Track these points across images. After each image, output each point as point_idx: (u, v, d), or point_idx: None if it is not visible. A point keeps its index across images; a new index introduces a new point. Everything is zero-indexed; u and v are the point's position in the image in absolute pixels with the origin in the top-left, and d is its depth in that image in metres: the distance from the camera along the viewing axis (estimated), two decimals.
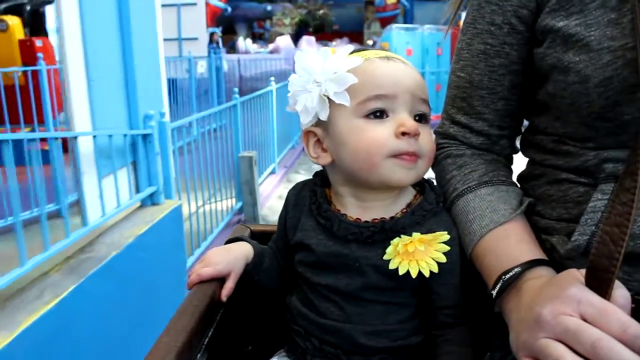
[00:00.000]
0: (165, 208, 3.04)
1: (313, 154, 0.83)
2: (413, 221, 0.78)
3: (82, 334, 2.10)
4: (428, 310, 0.80)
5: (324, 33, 18.25)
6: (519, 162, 0.91)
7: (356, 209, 0.82)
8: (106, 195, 2.53)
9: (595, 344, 0.52)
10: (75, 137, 2.28)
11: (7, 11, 6.90)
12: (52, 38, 6.65)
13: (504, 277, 0.69)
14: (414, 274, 0.74)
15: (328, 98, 0.77)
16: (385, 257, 0.76)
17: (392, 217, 0.80)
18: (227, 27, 16.05)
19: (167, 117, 3.11)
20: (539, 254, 0.73)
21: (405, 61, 0.81)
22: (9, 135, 1.93)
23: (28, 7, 7.41)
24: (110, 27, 2.74)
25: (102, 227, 2.55)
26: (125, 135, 2.73)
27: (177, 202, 3.15)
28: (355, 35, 18.00)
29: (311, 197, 0.85)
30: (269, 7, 17.42)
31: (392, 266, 0.75)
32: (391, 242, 0.75)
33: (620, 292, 0.57)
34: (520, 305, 0.65)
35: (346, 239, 0.79)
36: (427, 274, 0.75)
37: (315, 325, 0.81)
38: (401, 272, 0.74)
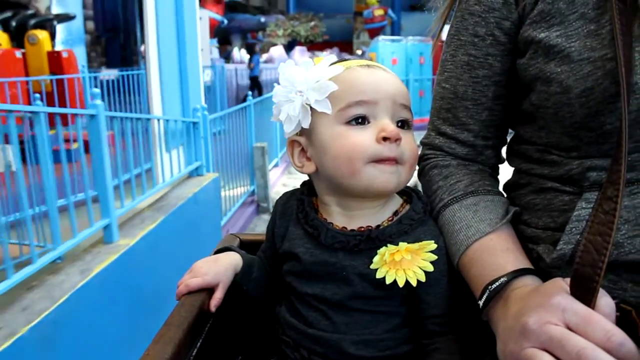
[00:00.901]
0: (207, 178, 4.06)
1: (298, 163, 0.82)
2: (400, 230, 0.77)
3: (168, 249, 3.15)
4: (417, 319, 0.79)
5: (315, 43, 18.89)
6: (505, 172, 0.90)
7: (342, 217, 0.81)
8: (168, 165, 3.61)
9: (580, 352, 0.52)
10: (155, 119, 3.46)
11: (36, 26, 7.88)
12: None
13: (490, 286, 0.68)
14: (400, 283, 0.73)
15: (310, 107, 0.76)
16: (372, 267, 0.74)
17: (378, 226, 0.78)
18: (222, 38, 17.04)
19: (206, 111, 4.22)
20: (525, 263, 0.72)
21: (386, 69, 0.81)
22: (120, 114, 3.01)
23: (55, 23, 8.43)
24: (172, 44, 3.84)
25: (166, 189, 3.64)
26: (183, 122, 3.83)
27: (215, 174, 4.20)
28: (345, 45, 18.26)
29: (298, 206, 0.84)
30: (262, 19, 17.91)
31: (379, 275, 0.74)
32: (378, 251, 0.74)
33: (605, 300, 0.56)
34: (506, 315, 0.64)
35: (333, 248, 0.78)
36: (414, 283, 0.73)
37: (303, 335, 0.79)
38: (388, 281, 0.73)
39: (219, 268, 0.85)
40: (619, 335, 0.52)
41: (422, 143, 0.92)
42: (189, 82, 3.87)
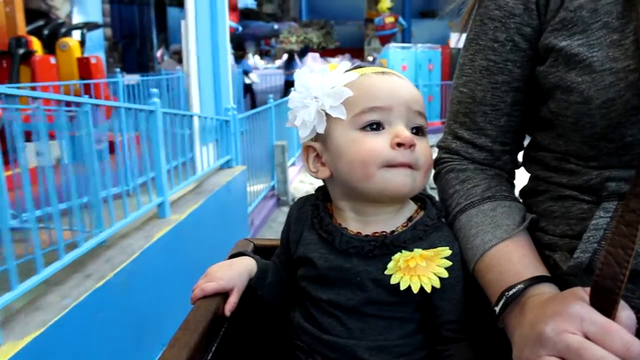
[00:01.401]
0: (236, 170, 4.61)
1: (312, 168, 0.82)
2: (415, 236, 0.77)
3: (208, 226, 3.70)
4: (431, 325, 0.78)
5: (327, 50, 19.33)
6: (520, 178, 0.90)
7: (356, 223, 0.81)
8: (205, 157, 4.18)
9: None
10: (196, 116, 4.06)
11: (66, 34, 8.45)
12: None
13: (507, 293, 0.68)
14: (415, 289, 0.72)
15: (325, 113, 0.77)
16: (386, 272, 0.74)
17: (392, 232, 0.78)
18: (236, 44, 17.65)
19: (235, 111, 4.80)
20: (542, 271, 0.71)
21: (401, 75, 0.81)
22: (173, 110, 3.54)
23: (85, 31, 9.03)
24: (208, 52, 4.44)
25: (203, 177, 4.20)
26: (217, 120, 4.39)
27: (243, 167, 4.76)
28: (356, 52, 18.33)
29: (313, 211, 0.85)
30: (276, 26, 18.41)
31: (393, 281, 0.73)
32: (392, 257, 0.74)
33: (626, 313, 0.55)
34: (522, 322, 0.64)
35: (347, 253, 0.78)
36: (428, 290, 0.73)
37: (318, 341, 0.79)
38: (402, 287, 0.73)
39: (233, 273, 0.85)
40: (638, 346, 0.51)
41: (438, 146, 0.92)
42: (221, 85, 4.46)
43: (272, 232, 5.09)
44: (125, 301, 2.45)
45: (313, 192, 0.89)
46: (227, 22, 4.87)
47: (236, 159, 4.61)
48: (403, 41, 15.91)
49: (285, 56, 14.85)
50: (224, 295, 0.83)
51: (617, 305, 0.54)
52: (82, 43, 8.49)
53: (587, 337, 0.54)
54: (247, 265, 0.88)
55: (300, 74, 0.80)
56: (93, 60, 7.53)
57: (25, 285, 1.88)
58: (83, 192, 2.57)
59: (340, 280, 0.78)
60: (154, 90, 3.01)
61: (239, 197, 4.58)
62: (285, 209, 5.71)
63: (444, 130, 0.91)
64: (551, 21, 0.73)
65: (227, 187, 4.15)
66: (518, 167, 0.89)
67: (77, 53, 7.43)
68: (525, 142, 0.89)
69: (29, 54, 6.47)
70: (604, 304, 0.55)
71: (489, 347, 0.77)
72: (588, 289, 0.57)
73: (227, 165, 4.52)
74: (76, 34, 8.44)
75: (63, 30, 8.54)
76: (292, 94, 0.80)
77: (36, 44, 6.94)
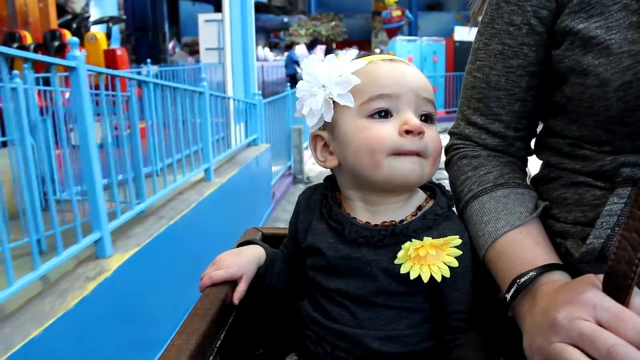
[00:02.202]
0: (262, 148, 5.44)
1: (320, 158, 0.81)
2: (424, 225, 0.76)
3: (244, 189, 4.50)
4: (440, 314, 0.77)
5: (335, 42, 19.25)
6: (532, 165, 0.88)
7: (365, 212, 0.79)
8: (237, 134, 4.95)
9: (611, 349, 0.50)
10: (231, 99, 4.87)
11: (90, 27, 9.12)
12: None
13: (518, 280, 0.67)
14: (425, 279, 0.71)
15: (333, 101, 0.75)
16: (396, 262, 0.73)
17: (402, 221, 0.77)
18: None
19: (261, 96, 5.57)
20: (554, 259, 0.70)
21: (409, 63, 0.79)
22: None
23: (110, 24, 9.78)
24: (239, 44, 5.21)
25: (234, 153, 4.94)
26: (246, 103, 5.17)
27: (267, 145, 5.55)
28: (364, 44, 18.44)
29: (322, 201, 0.84)
30: (285, 19, 18.73)
31: (403, 270, 0.72)
32: (402, 246, 0.73)
33: (639, 299, 0.54)
34: (534, 309, 0.63)
35: (357, 243, 0.77)
36: (438, 279, 0.72)
37: (326, 330, 0.78)
38: (412, 276, 0.72)
39: (242, 261, 0.85)
40: None
41: (450, 133, 0.90)
42: (249, 74, 5.24)
43: (290, 205, 5.76)
44: (187, 236, 3.21)
45: (325, 173, 0.88)
46: (253, 18, 5.66)
47: (261, 138, 5.39)
48: (410, 34, 16.25)
49: (266, 49, 15.40)
50: (232, 283, 0.83)
51: (631, 291, 0.53)
52: (108, 36, 9.23)
53: (600, 324, 0.52)
54: (255, 254, 0.87)
55: (308, 63, 0.79)
56: (119, 52, 8.12)
57: (125, 216, 2.65)
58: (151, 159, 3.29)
59: (349, 269, 0.77)
60: (204, 76, 3.74)
61: (265, 170, 5.40)
62: (301, 186, 6.48)
63: (456, 117, 0.90)
64: (569, 4, 0.72)
65: (255, 160, 4.96)
66: (531, 154, 0.88)
67: (104, 45, 7.90)
68: (538, 130, 0.87)
69: (63, 46, 7.10)
70: (617, 290, 0.54)
71: (497, 337, 0.77)
72: (601, 276, 0.56)
73: (254, 142, 5.29)
74: (98, 27, 9.13)
75: (90, 24, 9.29)
76: (300, 83, 0.79)
77: (68, 37, 7.68)
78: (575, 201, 0.74)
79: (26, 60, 2.24)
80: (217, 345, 0.76)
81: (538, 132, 0.87)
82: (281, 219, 5.17)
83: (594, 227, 0.68)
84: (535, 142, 0.87)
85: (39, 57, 2.33)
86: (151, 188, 3.05)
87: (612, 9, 0.67)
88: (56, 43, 7.39)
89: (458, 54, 12.73)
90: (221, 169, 4.32)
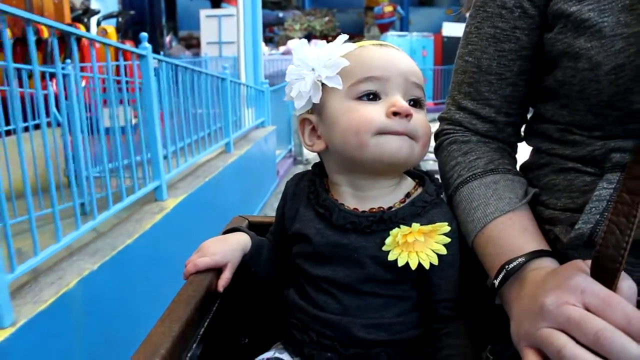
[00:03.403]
0: (269, 129, 6.19)
1: (308, 142, 0.80)
2: (413, 212, 0.74)
3: (256, 161, 5.27)
4: (428, 303, 0.76)
5: (329, 37, 21.14)
6: (520, 155, 0.87)
7: (353, 199, 0.78)
8: (248, 117, 5.82)
9: (598, 334, 0.50)
10: (244, 85, 5.65)
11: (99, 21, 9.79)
12: None
13: (507, 266, 0.66)
14: (413, 266, 0.70)
15: (322, 83, 0.74)
16: (384, 248, 0.72)
17: (390, 208, 0.76)
18: None
19: (268, 85, 6.46)
20: (543, 245, 0.69)
21: (399, 48, 0.78)
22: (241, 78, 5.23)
23: (120, 19, 10.52)
24: (250, 38, 6.09)
25: (245, 133, 5.65)
26: (256, 89, 6.05)
27: (273, 127, 6.40)
28: (356, 39, 20.75)
29: (310, 187, 0.82)
30: (280, 14, 19.15)
31: (391, 257, 0.71)
32: (390, 232, 0.71)
33: (627, 283, 0.54)
34: (522, 295, 0.63)
35: (345, 229, 0.75)
36: (427, 266, 0.71)
37: (312, 318, 0.77)
38: (400, 263, 0.70)
39: (227, 248, 0.84)
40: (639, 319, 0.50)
41: (440, 118, 0.89)
42: (258, 65, 6.12)
43: None
44: (216, 191, 3.93)
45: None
46: (260, 15, 6.55)
47: (268, 121, 6.28)
48: (401, 29, 16.65)
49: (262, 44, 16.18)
50: (217, 270, 0.82)
51: (619, 275, 0.53)
52: (118, 30, 9.98)
53: (588, 309, 0.52)
54: (241, 241, 0.86)
55: (298, 47, 0.77)
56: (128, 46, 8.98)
57: (175, 171, 3.40)
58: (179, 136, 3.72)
59: (336, 256, 0.76)
60: (226, 65, 4.59)
61: (271, 149, 6.18)
62: (301, 167, 7.34)
63: (446, 102, 0.89)
64: None
65: (264, 139, 5.69)
66: (520, 141, 0.87)
67: (114, 38, 7.96)
68: (528, 116, 0.86)
69: (78, 39, 7.97)
70: (605, 275, 0.53)
71: (484, 324, 0.77)
72: (589, 262, 0.56)
73: (262, 125, 6.17)
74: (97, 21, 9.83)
75: (100, 18, 10.06)
76: (290, 67, 0.78)
77: (83, 31, 8.42)
78: (564, 187, 0.73)
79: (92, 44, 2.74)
80: (201, 332, 0.75)
81: (528, 119, 0.86)
82: None
83: (582, 212, 0.67)
84: (525, 129, 0.86)
85: (113, 42, 2.86)
86: (190, 154, 3.90)
87: None
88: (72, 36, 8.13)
89: (446, 49, 13.31)
90: (237, 144, 5.10)
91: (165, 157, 3.25)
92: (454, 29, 13.38)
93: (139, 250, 2.42)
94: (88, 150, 2.73)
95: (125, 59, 8.83)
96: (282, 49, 16.76)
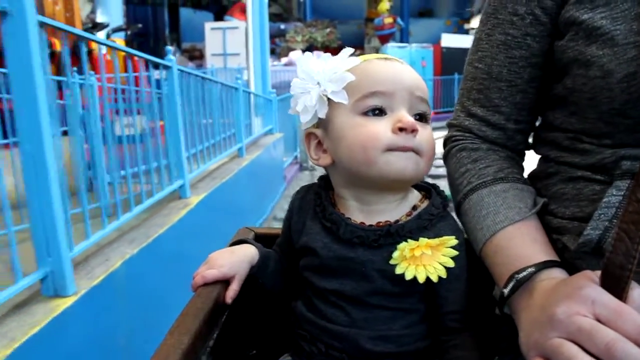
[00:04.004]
0: (277, 136, 6.56)
1: (314, 156, 0.80)
2: (420, 225, 0.75)
3: (265, 165, 5.61)
4: (435, 315, 0.76)
5: (330, 48, 21.39)
6: (528, 162, 0.87)
7: (359, 212, 0.78)
8: (257, 124, 6.23)
9: (609, 345, 0.50)
10: (253, 94, 6.10)
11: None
12: None
13: (517, 276, 0.66)
14: (421, 279, 0.70)
15: (327, 98, 0.74)
16: (391, 262, 0.72)
17: (397, 221, 0.76)
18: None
19: (275, 94, 6.88)
20: (553, 256, 0.69)
21: (404, 62, 0.78)
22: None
23: (128, 32, 10.92)
24: (258, 50, 6.50)
25: (255, 140, 5.98)
26: (264, 98, 6.44)
27: (281, 134, 6.76)
28: (357, 50, 21.00)
29: (316, 200, 0.83)
30: (282, 26, 19.39)
31: (398, 271, 0.71)
32: (398, 246, 0.72)
33: (637, 292, 0.54)
34: (531, 305, 0.63)
35: (352, 243, 0.76)
36: (435, 280, 0.71)
37: (321, 330, 0.77)
38: (408, 277, 0.71)
39: (234, 260, 0.84)
40: None
41: (449, 124, 0.89)
42: (266, 75, 6.53)
43: (297, 187, 7.05)
44: (232, 191, 4.16)
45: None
46: (267, 26, 6.99)
47: (275, 128, 6.68)
48: (401, 40, 16.84)
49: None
50: (225, 282, 0.82)
51: (629, 283, 0.53)
52: (127, 42, 10.39)
53: (598, 320, 0.52)
54: (248, 253, 0.86)
55: (302, 60, 0.77)
56: (137, 58, 9.43)
57: (197, 171, 3.76)
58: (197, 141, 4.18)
59: (344, 270, 0.76)
60: (238, 75, 4.97)
61: (279, 154, 6.54)
62: (307, 173, 7.71)
63: (456, 109, 0.89)
64: None
65: (272, 145, 6.05)
66: (529, 149, 0.87)
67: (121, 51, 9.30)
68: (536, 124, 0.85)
69: (90, 51, 8.37)
70: (615, 283, 0.53)
71: (491, 336, 0.77)
72: (599, 272, 0.55)
73: (270, 132, 6.55)
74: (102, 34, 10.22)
75: (110, 31, 10.47)
76: (295, 81, 0.78)
77: (94, 44, 8.87)
78: (573, 196, 0.73)
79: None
80: (210, 345, 0.75)
81: (537, 126, 0.85)
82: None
83: (591, 219, 0.66)
84: (534, 137, 0.85)
85: (140, 54, 3.04)
86: (208, 157, 4.26)
87: (618, 0, 0.66)
88: (85, 49, 8.57)
89: (445, 59, 13.67)
90: (249, 149, 5.44)
91: (188, 159, 3.59)
92: (452, 40, 13.76)
93: (169, 240, 2.74)
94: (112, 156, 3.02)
95: (133, 69, 9.18)
96: (284, 60, 16.89)
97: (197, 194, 3.51)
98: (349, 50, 0.78)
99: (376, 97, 0.74)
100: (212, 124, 4.18)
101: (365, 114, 0.75)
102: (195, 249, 3.10)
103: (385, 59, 0.79)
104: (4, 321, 1.61)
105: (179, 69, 3.39)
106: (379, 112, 0.75)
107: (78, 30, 2.29)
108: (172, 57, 3.26)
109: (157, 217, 2.96)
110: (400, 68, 0.78)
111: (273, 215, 5.36)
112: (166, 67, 3.21)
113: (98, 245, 2.28)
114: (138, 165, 2.94)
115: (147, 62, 2.94)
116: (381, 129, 0.73)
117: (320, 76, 0.76)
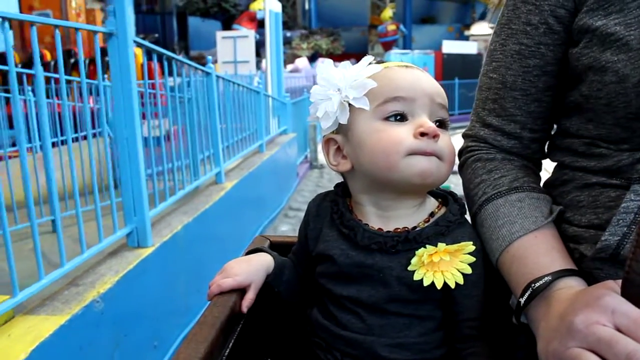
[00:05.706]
0: (290, 136, 6.90)
1: (333, 162, 0.80)
2: (437, 231, 0.74)
3: (282, 161, 6.21)
4: (452, 322, 0.75)
5: (334, 55, 20.47)
6: (542, 173, 0.86)
7: (377, 218, 0.78)
8: (273, 125, 6.63)
9: (630, 355, 0.48)
10: (271, 98, 6.54)
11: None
12: None
13: (533, 285, 0.65)
14: (439, 285, 0.70)
15: (348, 104, 0.74)
16: (410, 268, 0.72)
17: (414, 227, 0.75)
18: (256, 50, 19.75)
19: (289, 98, 7.48)
20: (570, 264, 0.68)
21: (423, 70, 0.78)
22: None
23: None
24: (274, 57, 7.16)
25: (272, 139, 6.35)
26: (279, 101, 7.04)
27: (294, 134, 7.26)
28: (361, 57, 21.19)
29: (333, 207, 0.82)
30: (288, 34, 19.29)
31: (416, 277, 0.71)
32: (416, 252, 0.71)
33: None
34: (549, 314, 0.62)
35: (370, 249, 0.75)
36: (452, 285, 0.70)
37: (336, 337, 0.77)
38: (426, 283, 0.70)
39: (250, 269, 0.84)
40: None
41: (464, 135, 0.89)
42: (282, 80, 7.14)
43: (308, 183, 7.14)
44: (256, 181, 4.64)
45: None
46: (281, 36, 7.63)
47: (289, 129, 7.32)
48: (404, 47, 17.11)
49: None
50: (241, 291, 0.81)
51: None
52: (145, 52, 10.95)
53: (618, 330, 0.51)
54: (264, 262, 0.86)
55: (323, 67, 0.77)
56: (153, 66, 10.05)
57: (230, 160, 4.40)
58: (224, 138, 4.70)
59: (361, 276, 0.75)
60: (259, 80, 5.59)
61: (293, 153, 6.97)
62: (317, 171, 8.30)
63: (471, 119, 0.88)
64: (587, 2, 0.71)
65: (288, 144, 6.47)
66: (545, 157, 0.86)
67: (140, 59, 9.85)
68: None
69: (107, 62, 8.96)
70: (637, 292, 0.52)
71: (507, 345, 0.76)
72: (619, 281, 0.54)
73: (284, 132, 7.16)
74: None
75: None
76: (315, 87, 0.78)
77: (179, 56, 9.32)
78: (589, 203, 0.72)
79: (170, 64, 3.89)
80: (226, 353, 0.75)
81: (552, 134, 0.84)
82: (305, 189, 6.85)
83: (609, 224, 0.65)
84: (549, 144, 0.85)
85: (188, 62, 3.47)
86: (237, 150, 4.78)
87: (631, 6, 0.66)
88: (107, 58, 9.21)
89: (446, 65, 14.00)
90: (267, 147, 5.91)
91: (222, 150, 4.18)
92: (453, 47, 14.24)
93: (212, 214, 3.33)
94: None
95: (150, 77, 9.81)
96: (289, 67, 17.01)
97: (229, 180, 4.10)
98: (369, 57, 0.79)
99: (397, 103, 0.74)
100: (241, 122, 4.77)
101: (386, 119, 0.74)
102: (230, 224, 3.93)
103: (406, 66, 0.79)
104: (105, 261, 2.25)
105: (219, 76, 3.93)
106: (400, 117, 0.74)
107: (164, 50, 3.03)
108: (212, 65, 3.78)
109: (201, 196, 3.57)
110: (420, 75, 0.78)
111: (289, 205, 5.92)
112: (207, 74, 3.71)
113: (161, 215, 2.91)
114: (188, 156, 3.50)
115: (194, 68, 3.49)
116: (403, 134, 0.73)
117: (341, 82, 0.76)
